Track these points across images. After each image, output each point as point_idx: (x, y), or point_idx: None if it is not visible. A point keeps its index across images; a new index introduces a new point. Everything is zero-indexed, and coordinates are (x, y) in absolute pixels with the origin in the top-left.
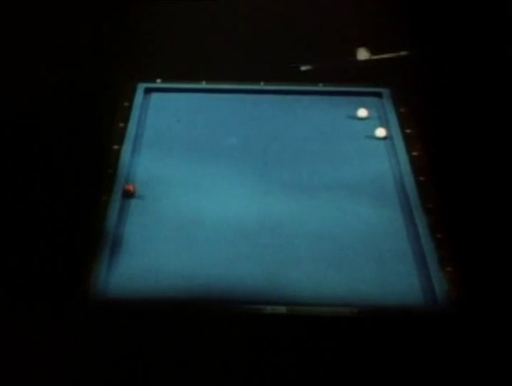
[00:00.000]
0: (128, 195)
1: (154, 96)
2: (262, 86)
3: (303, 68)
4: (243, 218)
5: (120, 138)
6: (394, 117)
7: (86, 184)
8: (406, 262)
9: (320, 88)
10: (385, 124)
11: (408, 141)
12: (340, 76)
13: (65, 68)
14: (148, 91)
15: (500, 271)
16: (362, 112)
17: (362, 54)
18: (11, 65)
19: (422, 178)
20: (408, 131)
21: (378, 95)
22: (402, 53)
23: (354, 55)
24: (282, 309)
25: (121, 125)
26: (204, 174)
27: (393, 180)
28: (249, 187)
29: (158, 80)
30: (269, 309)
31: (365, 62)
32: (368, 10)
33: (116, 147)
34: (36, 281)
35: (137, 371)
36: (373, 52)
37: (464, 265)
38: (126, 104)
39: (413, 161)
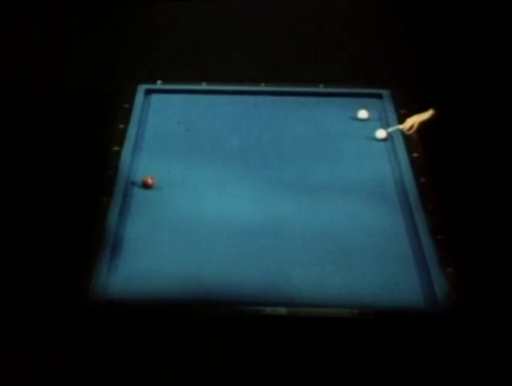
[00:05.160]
0: (146, 186)
1: (155, 97)
2: (262, 87)
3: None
4: (243, 219)
5: (120, 140)
6: (394, 118)
7: (87, 185)
8: (406, 263)
9: (321, 89)
10: (385, 125)
11: (408, 142)
12: (341, 78)
13: (65, 70)
14: (148, 92)
15: (500, 272)
16: (363, 114)
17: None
18: (11, 67)
19: (422, 180)
20: (409, 133)
21: (379, 96)
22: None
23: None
24: (283, 310)
25: (122, 126)
26: (205, 176)
27: (393, 181)
28: (249, 188)
29: (159, 82)
30: (269, 310)
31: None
32: (368, 10)
33: (116, 148)
34: (37, 282)
35: (137, 372)
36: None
37: (464, 266)
38: (127, 105)
39: (413, 162)
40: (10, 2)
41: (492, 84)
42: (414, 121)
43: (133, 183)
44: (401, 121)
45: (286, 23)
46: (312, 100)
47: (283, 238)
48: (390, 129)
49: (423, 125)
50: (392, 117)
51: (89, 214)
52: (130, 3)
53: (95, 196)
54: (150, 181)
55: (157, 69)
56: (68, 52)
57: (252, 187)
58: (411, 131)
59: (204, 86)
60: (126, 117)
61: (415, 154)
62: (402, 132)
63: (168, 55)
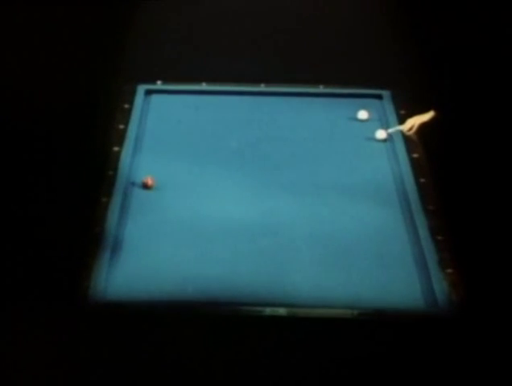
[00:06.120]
0: (146, 187)
1: (155, 97)
2: (262, 88)
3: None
4: (243, 219)
5: (120, 140)
6: (394, 118)
7: (86, 185)
8: (406, 264)
9: (321, 90)
10: (385, 126)
11: (408, 143)
12: (341, 78)
13: (65, 70)
14: (148, 93)
15: (501, 273)
16: (363, 114)
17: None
18: (11, 67)
19: (422, 180)
20: (408, 133)
21: (379, 97)
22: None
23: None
24: (282, 310)
25: (122, 126)
26: (205, 176)
27: (393, 182)
28: (249, 189)
29: (159, 82)
30: (268, 310)
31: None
32: (368, 11)
33: (116, 149)
34: (36, 283)
35: (136, 373)
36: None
37: (464, 267)
38: (127, 106)
39: (413, 163)
40: (11, 1)
41: (492, 84)
42: (414, 122)
43: (132, 184)
44: (401, 121)
45: (286, 23)
46: (312, 100)
47: (283, 239)
48: (391, 130)
49: (423, 126)
50: (392, 117)
51: (89, 214)
52: (130, 3)
53: (95, 196)
54: (150, 182)
55: (157, 69)
56: (68, 52)
57: (252, 188)
58: (411, 132)
59: (204, 86)
60: (126, 117)
61: (415, 155)
62: (402, 132)
63: (168, 55)
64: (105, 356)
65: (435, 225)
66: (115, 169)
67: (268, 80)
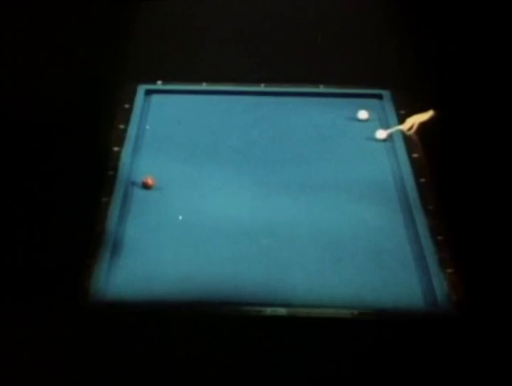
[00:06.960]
0: (146, 187)
1: (155, 97)
2: (262, 88)
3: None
4: (244, 219)
5: (120, 140)
6: (394, 118)
7: (87, 186)
8: (406, 264)
9: (321, 89)
10: (385, 126)
11: (408, 142)
12: (341, 78)
13: (65, 70)
14: (149, 93)
15: (500, 272)
16: (363, 114)
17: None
18: (11, 67)
19: (422, 180)
20: (409, 133)
21: (379, 97)
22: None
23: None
24: (283, 310)
25: (122, 126)
26: (205, 176)
27: (393, 182)
28: (249, 189)
29: (159, 82)
30: (269, 310)
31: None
32: (368, 10)
33: (116, 149)
34: (36, 283)
35: (136, 373)
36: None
37: (464, 267)
38: (127, 106)
39: (413, 162)
40: (11, 1)
41: (492, 84)
42: (413, 121)
43: (132, 184)
44: (401, 121)
45: (286, 23)
46: (312, 100)
47: (283, 238)
48: (390, 130)
49: (423, 126)
50: (392, 117)
51: (89, 214)
52: (130, 3)
53: (95, 196)
54: (150, 182)
55: (157, 69)
56: (69, 52)
57: (252, 188)
58: (411, 131)
59: (204, 86)
60: (126, 117)
61: (415, 155)
62: (402, 132)
63: (168, 55)
64: (106, 356)
65: (434, 225)
66: (115, 169)
67: (268, 80)
